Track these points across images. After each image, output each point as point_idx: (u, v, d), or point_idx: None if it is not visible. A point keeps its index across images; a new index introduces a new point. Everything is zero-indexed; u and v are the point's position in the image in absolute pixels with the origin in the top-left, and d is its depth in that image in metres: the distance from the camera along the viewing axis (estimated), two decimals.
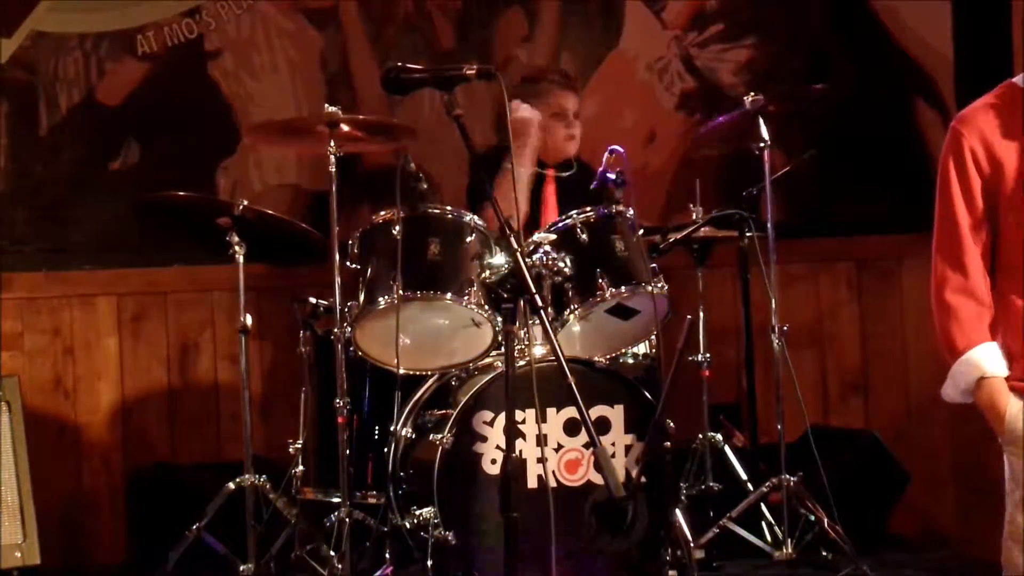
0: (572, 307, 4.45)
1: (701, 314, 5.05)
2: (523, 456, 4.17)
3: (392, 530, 4.50)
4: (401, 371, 4.48)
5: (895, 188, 5.91)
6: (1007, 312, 3.14)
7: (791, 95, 4.90)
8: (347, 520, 4.38)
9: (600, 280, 4.46)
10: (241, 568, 4.63)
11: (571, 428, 4.32)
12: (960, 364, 3.13)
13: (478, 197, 4.90)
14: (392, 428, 4.60)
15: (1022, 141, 3.10)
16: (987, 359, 3.11)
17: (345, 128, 4.59)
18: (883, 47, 5.98)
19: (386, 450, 4.59)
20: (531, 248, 4.40)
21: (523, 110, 5.01)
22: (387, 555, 4.51)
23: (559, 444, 4.33)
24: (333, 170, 4.47)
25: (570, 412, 4.29)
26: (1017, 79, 3.18)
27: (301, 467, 4.71)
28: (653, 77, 5.91)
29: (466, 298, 4.39)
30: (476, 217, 4.49)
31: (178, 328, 5.58)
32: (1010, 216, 3.11)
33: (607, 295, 4.47)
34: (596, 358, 4.58)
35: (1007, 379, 3.12)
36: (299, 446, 4.73)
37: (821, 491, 4.69)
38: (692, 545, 4.53)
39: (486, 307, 4.39)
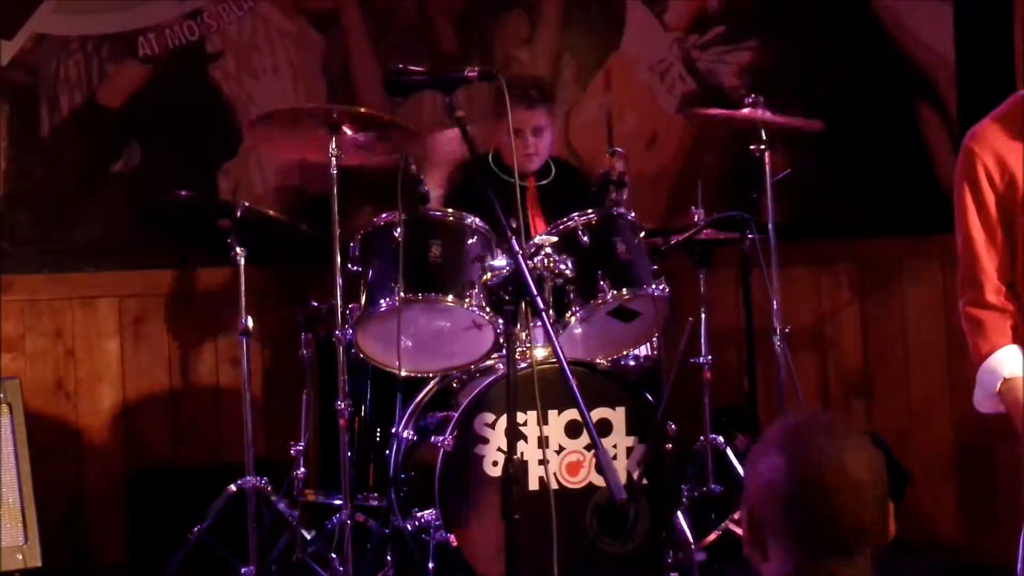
0: (573, 309, 4.45)
1: (703, 316, 5.05)
2: (524, 458, 4.17)
3: (394, 532, 4.50)
4: (402, 373, 4.49)
5: (896, 190, 5.91)
6: None
7: (791, 110, 4.90)
8: (349, 523, 4.38)
9: (601, 282, 4.46)
10: (242, 571, 4.62)
11: (572, 430, 4.32)
12: (984, 368, 3.17)
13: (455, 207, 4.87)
14: (393, 430, 4.60)
15: None
16: (1008, 361, 3.15)
17: (348, 132, 4.57)
18: (884, 49, 5.96)
19: (388, 452, 4.59)
20: (532, 250, 4.40)
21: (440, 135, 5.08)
22: (388, 558, 4.51)
23: (560, 446, 4.33)
24: (334, 172, 4.47)
25: (571, 414, 4.29)
26: (1023, 92, 3.22)
27: (303, 469, 4.70)
28: (654, 79, 5.90)
29: (467, 300, 4.39)
30: (477, 219, 4.49)
31: (179, 330, 5.58)
32: None
33: (608, 297, 4.47)
34: (598, 360, 4.58)
35: None
36: (300, 448, 4.73)
37: None
38: (694, 547, 4.52)
39: (487, 309, 4.39)
